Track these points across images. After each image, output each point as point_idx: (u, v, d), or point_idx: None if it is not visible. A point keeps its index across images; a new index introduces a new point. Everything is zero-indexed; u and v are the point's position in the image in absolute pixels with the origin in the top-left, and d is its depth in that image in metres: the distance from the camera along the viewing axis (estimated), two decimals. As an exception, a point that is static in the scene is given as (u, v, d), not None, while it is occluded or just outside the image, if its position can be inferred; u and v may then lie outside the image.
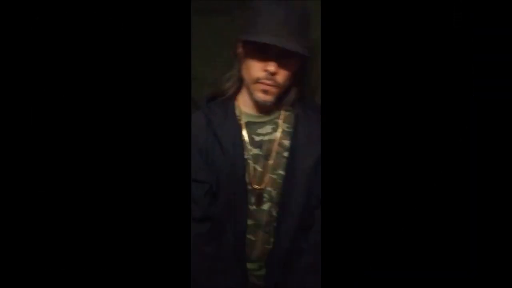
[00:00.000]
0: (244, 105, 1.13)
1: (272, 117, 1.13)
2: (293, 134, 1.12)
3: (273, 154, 1.11)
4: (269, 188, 1.10)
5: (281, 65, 1.04)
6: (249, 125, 1.13)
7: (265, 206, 1.11)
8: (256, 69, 1.04)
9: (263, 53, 1.03)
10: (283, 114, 1.13)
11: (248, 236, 1.11)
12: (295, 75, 1.09)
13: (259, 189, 1.11)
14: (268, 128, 1.13)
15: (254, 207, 1.11)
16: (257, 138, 1.12)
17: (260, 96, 1.06)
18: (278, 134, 1.13)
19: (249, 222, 1.11)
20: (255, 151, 1.11)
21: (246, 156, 1.11)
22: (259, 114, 1.13)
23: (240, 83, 1.12)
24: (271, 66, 1.03)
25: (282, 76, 1.05)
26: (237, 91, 1.13)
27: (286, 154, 1.11)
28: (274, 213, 1.11)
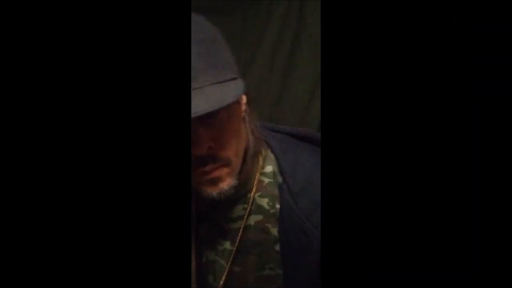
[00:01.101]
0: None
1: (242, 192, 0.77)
2: (281, 215, 0.76)
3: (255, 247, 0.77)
4: None
5: (212, 130, 0.68)
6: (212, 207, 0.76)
7: None
8: None
9: None
10: (256, 181, 0.76)
11: None
12: (241, 120, 0.74)
13: None
14: (238, 210, 0.77)
15: None
16: (225, 226, 0.78)
17: (212, 191, 0.72)
18: (255, 217, 0.77)
19: None
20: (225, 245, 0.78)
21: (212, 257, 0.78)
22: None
23: None
24: (199, 147, 0.66)
25: (223, 143, 0.69)
26: None
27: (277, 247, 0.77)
28: None
